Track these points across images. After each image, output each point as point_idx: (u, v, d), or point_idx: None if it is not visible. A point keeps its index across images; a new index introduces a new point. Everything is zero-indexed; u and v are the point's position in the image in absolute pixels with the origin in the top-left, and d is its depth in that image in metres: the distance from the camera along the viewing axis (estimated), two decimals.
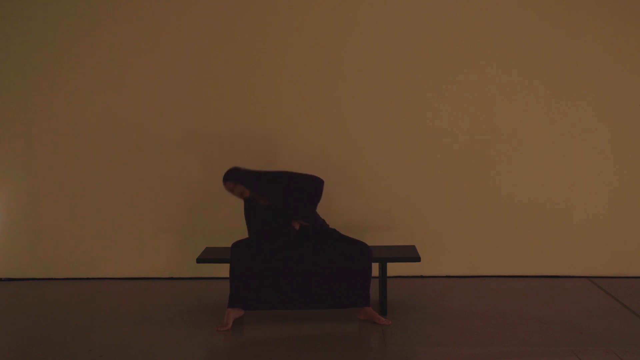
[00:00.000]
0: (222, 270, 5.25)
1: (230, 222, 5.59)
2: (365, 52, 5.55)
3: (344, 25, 5.55)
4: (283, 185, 4.33)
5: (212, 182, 5.61)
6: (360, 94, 5.58)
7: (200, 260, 4.70)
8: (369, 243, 4.63)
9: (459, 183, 5.60)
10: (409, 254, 4.72)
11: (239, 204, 5.55)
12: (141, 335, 4.26)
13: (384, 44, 5.55)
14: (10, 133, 5.68)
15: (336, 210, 5.42)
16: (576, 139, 5.57)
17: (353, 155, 5.57)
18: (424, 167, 5.60)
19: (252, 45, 5.57)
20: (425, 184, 5.61)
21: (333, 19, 5.55)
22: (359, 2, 5.55)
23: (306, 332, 4.26)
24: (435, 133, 5.58)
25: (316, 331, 4.27)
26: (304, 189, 4.35)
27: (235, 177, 4.25)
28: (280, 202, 4.34)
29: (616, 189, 5.60)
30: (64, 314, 4.74)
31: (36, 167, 5.67)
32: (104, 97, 5.61)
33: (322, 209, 4.69)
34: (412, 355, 3.89)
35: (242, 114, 5.59)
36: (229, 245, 5.25)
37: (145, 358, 3.89)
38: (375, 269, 4.53)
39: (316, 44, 5.56)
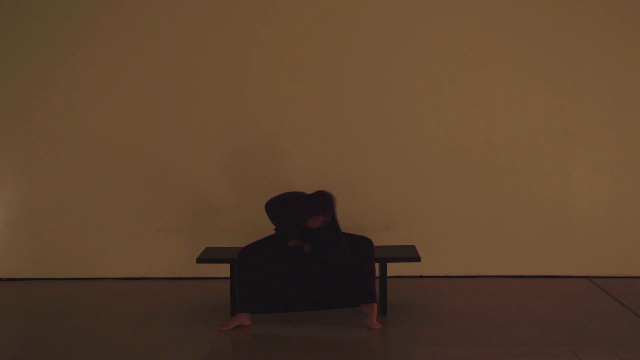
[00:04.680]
0: (222, 270, 5.25)
1: (230, 223, 5.59)
2: (365, 52, 5.55)
3: (343, 26, 5.54)
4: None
5: (212, 182, 5.62)
6: (359, 94, 5.57)
7: (200, 260, 4.70)
8: None
9: (459, 183, 5.60)
10: (409, 254, 4.72)
11: (238, 204, 5.59)
12: (141, 335, 4.26)
13: (383, 44, 5.54)
14: (11, 133, 5.67)
15: (336, 210, 5.41)
16: (576, 139, 5.58)
17: (353, 156, 5.57)
18: (424, 167, 5.60)
19: (250, 46, 5.57)
20: (425, 184, 5.61)
21: (332, 20, 5.55)
22: (358, 2, 5.55)
23: (306, 333, 4.26)
24: (435, 133, 5.58)
25: (316, 332, 4.27)
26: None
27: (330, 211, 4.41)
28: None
29: (616, 189, 5.60)
30: (64, 314, 4.74)
31: (36, 167, 5.67)
32: (104, 98, 5.60)
33: None
34: (412, 355, 3.89)
35: (241, 116, 5.59)
36: (229, 245, 5.28)
37: (145, 358, 3.89)
38: (375, 268, 4.53)
39: (315, 45, 5.56)
